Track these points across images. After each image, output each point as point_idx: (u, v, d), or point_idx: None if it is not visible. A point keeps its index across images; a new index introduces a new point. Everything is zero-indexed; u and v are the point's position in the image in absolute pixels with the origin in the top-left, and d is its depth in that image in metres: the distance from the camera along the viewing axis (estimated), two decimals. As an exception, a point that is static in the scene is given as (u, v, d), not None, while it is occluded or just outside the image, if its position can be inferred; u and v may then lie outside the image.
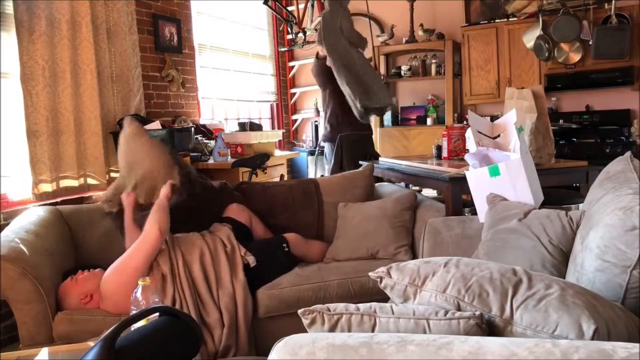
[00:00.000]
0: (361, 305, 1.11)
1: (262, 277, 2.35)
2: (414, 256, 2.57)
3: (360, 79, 3.96)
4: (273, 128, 6.10)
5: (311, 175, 5.71)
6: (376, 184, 3.25)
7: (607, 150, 4.63)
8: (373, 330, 1.07)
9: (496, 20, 5.20)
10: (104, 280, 2.17)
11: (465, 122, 5.05)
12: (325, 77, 4.28)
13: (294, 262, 2.52)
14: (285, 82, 6.31)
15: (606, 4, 4.61)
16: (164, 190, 2.34)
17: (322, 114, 4.70)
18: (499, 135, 2.40)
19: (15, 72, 2.98)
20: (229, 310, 2.19)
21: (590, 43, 4.63)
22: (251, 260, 2.35)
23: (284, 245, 2.53)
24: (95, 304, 2.18)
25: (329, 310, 1.10)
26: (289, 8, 5.77)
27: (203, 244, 2.33)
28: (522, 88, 2.68)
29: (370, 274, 1.27)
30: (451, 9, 5.50)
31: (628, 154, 1.68)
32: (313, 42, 5.69)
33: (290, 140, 6.39)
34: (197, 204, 2.61)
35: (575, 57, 4.83)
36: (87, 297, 2.17)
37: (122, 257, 2.20)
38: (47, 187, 3.10)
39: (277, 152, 5.04)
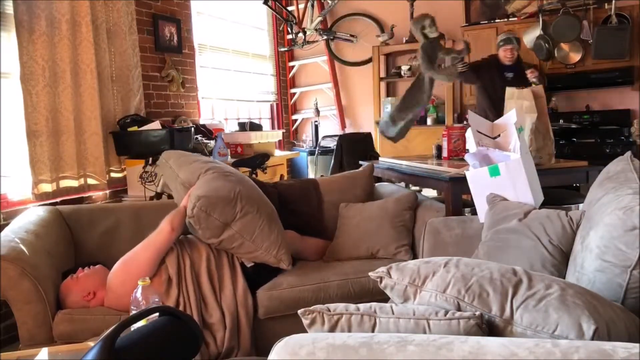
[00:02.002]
0: (361, 306, 1.11)
1: (260, 277, 2.35)
2: (414, 256, 2.57)
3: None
4: (273, 128, 6.10)
5: (311, 175, 5.71)
6: (376, 184, 3.25)
7: (607, 150, 4.63)
8: (373, 331, 1.07)
9: (496, 20, 5.20)
10: (112, 272, 2.17)
11: (465, 122, 5.05)
12: (475, 72, 4.24)
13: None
14: (285, 82, 6.31)
15: (606, 4, 4.61)
16: (183, 202, 2.33)
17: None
18: (499, 135, 2.40)
19: (15, 72, 2.98)
20: (230, 311, 2.19)
21: (590, 43, 4.63)
22: (247, 261, 2.34)
23: None
24: (99, 301, 2.18)
25: (329, 310, 1.10)
26: (289, 8, 5.78)
27: (207, 248, 2.32)
28: (522, 88, 2.68)
29: (370, 274, 1.27)
30: (451, 9, 5.50)
31: (628, 153, 1.68)
32: (313, 42, 5.72)
33: (290, 140, 6.39)
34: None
35: (575, 57, 4.83)
36: (89, 295, 2.16)
37: (132, 251, 2.20)
38: (47, 187, 3.10)
39: (277, 152, 5.05)
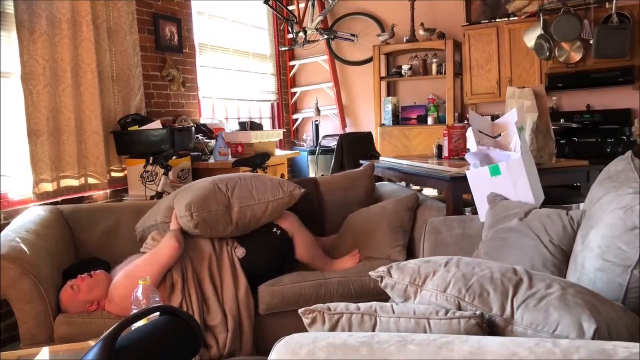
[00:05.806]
0: (361, 305, 1.11)
1: (260, 270, 2.33)
2: (412, 256, 2.57)
3: None
4: (273, 127, 6.10)
5: (312, 174, 5.71)
6: (377, 184, 3.25)
7: (608, 150, 4.63)
8: (373, 330, 1.07)
9: (497, 20, 5.19)
10: (113, 285, 2.15)
11: (465, 122, 5.05)
12: None
13: (288, 242, 2.44)
14: (285, 81, 6.31)
15: (607, 3, 4.60)
16: (172, 223, 2.34)
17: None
18: (499, 135, 2.40)
19: (16, 71, 2.98)
20: (232, 313, 2.19)
21: (591, 42, 4.62)
22: (239, 252, 2.33)
23: (274, 229, 2.44)
24: (101, 307, 2.17)
25: (330, 309, 1.10)
26: (290, 7, 5.78)
27: (210, 249, 2.32)
28: (524, 87, 2.68)
29: (370, 273, 1.27)
30: (452, 8, 5.50)
31: (629, 153, 1.67)
32: (314, 41, 5.72)
33: (290, 139, 6.39)
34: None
35: (576, 56, 4.82)
36: (94, 305, 2.16)
37: (136, 264, 2.17)
38: (47, 187, 3.10)
39: (278, 152, 5.04)
